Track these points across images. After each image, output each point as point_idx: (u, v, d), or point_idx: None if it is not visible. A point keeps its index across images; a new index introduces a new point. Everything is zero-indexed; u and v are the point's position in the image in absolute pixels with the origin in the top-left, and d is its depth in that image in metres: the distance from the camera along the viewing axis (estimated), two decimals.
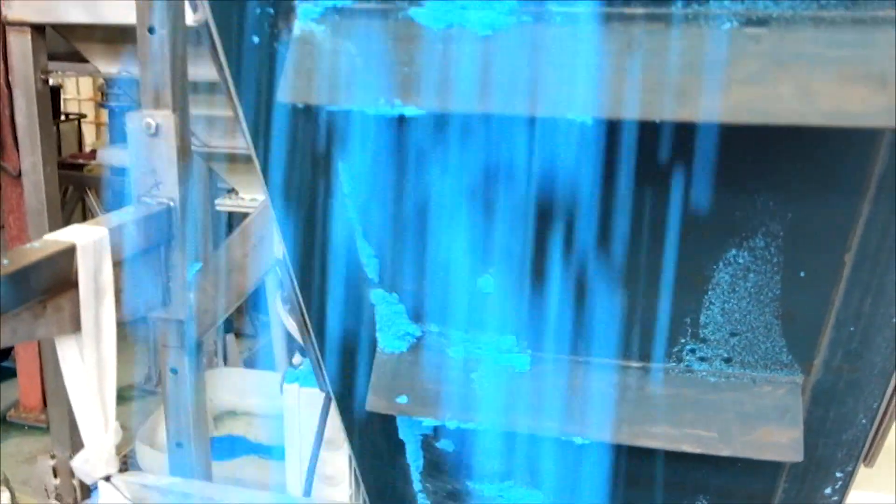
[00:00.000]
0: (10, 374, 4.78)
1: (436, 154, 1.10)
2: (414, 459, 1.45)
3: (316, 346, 1.33)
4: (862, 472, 1.26)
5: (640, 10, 0.90)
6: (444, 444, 1.39)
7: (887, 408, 1.17)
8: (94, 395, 1.30)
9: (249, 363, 4.85)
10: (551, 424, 1.24)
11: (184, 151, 1.83)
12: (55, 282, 1.37)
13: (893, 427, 1.23)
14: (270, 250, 1.57)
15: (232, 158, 4.36)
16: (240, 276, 1.88)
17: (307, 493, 1.75)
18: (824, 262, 1.06)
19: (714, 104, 0.88)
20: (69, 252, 1.38)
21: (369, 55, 0.96)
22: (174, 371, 1.88)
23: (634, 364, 1.22)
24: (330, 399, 1.41)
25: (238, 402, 4.47)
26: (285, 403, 1.71)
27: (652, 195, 1.08)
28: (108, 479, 1.27)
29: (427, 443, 1.41)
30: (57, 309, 1.36)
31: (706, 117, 0.88)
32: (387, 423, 1.39)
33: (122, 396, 4.77)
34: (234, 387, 4.52)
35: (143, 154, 1.79)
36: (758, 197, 1.03)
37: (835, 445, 1.22)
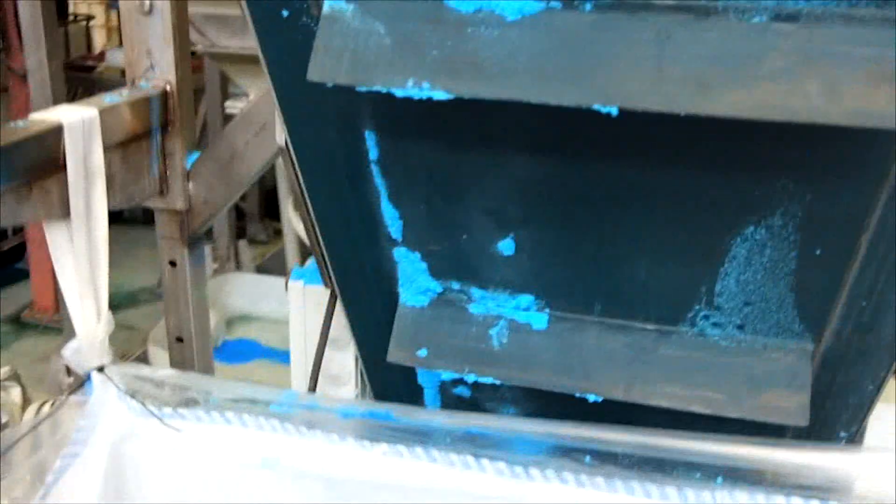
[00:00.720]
0: (24, 275, 4.83)
1: (460, 124, 1.11)
2: (431, 402, 1.50)
3: (322, 246, 1.33)
4: None
5: (669, 2, 0.90)
6: (461, 391, 1.44)
7: None
8: (85, 283, 1.28)
9: (262, 269, 4.91)
10: (566, 382, 1.28)
11: (181, 32, 1.72)
12: (41, 162, 1.31)
13: None
14: (272, 138, 1.50)
15: (242, 59, 4.29)
16: (240, 165, 1.78)
17: (312, 391, 1.77)
18: (840, 242, 1.08)
19: (739, 99, 0.88)
20: (56, 132, 1.32)
21: (398, 36, 0.96)
22: (172, 264, 1.84)
23: (649, 326, 1.26)
24: (335, 297, 1.42)
25: (250, 307, 4.54)
26: (290, 301, 1.69)
27: (674, 170, 1.09)
28: (101, 369, 1.26)
29: (445, 389, 1.46)
30: (44, 191, 1.31)
31: (729, 112, 0.89)
32: (407, 371, 1.43)
33: (137, 299, 4.87)
34: (246, 292, 4.59)
35: (138, 34, 1.69)
36: (778, 179, 1.05)
37: (841, 408, 1.26)
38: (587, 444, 1.14)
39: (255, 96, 1.72)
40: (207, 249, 4.79)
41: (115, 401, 1.24)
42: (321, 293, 1.59)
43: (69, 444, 1.21)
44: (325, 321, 1.57)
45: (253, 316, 4.53)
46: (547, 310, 1.29)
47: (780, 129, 0.98)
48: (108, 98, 1.54)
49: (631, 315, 1.26)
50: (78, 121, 1.35)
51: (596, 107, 0.92)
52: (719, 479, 1.17)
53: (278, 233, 5.32)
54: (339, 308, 1.43)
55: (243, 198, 5.38)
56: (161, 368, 1.28)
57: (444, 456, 1.15)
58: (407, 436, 1.18)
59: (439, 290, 1.32)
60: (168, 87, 1.68)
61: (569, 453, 1.14)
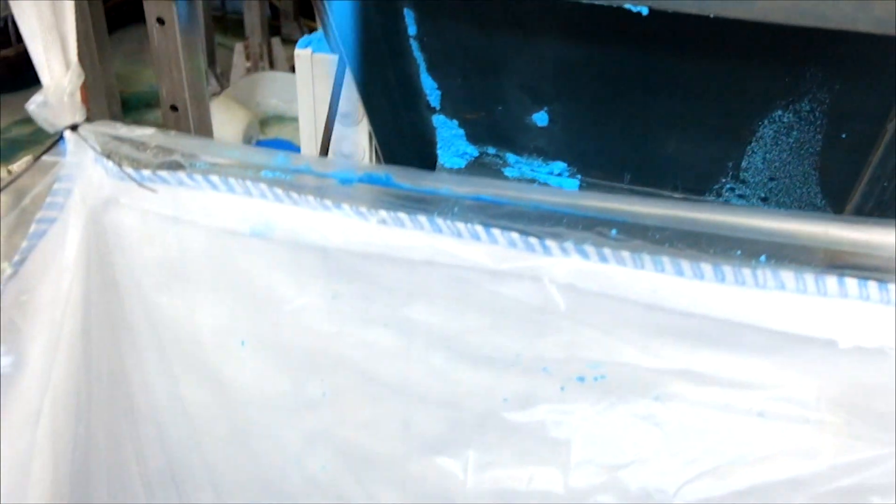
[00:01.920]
0: None
1: (495, 7, 1.12)
2: None
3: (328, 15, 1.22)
4: None
5: None
6: None
7: None
8: (48, 29, 1.10)
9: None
10: None
11: None
12: None
13: None
14: None
15: None
16: None
17: None
18: (866, 128, 1.10)
19: (769, 4, 0.89)
20: None
21: None
22: (161, 21, 1.66)
23: (676, 195, 1.31)
24: (344, 64, 1.32)
25: (285, 108, 4.28)
26: (297, 71, 1.57)
27: (704, 59, 1.11)
28: (74, 128, 1.10)
29: None
30: None
31: (759, 16, 0.90)
32: None
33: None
34: (280, 91, 4.28)
35: None
36: (807, 69, 1.06)
37: None
38: (613, 215, 0.97)
39: None
40: (239, 47, 4.69)
41: (91, 163, 1.12)
42: (329, 61, 1.46)
43: (44, 209, 1.10)
44: (333, 90, 1.41)
45: (287, 116, 4.26)
46: (578, 176, 1.34)
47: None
48: None
49: (659, 184, 1.31)
50: None
51: (627, 6, 0.93)
52: (763, 258, 0.99)
53: (313, 31, 5.21)
54: (349, 78, 1.31)
55: None
56: (142, 127, 1.13)
57: (450, 225, 0.99)
58: (409, 203, 1.02)
59: (476, 153, 1.37)
60: None
61: (592, 225, 0.98)
